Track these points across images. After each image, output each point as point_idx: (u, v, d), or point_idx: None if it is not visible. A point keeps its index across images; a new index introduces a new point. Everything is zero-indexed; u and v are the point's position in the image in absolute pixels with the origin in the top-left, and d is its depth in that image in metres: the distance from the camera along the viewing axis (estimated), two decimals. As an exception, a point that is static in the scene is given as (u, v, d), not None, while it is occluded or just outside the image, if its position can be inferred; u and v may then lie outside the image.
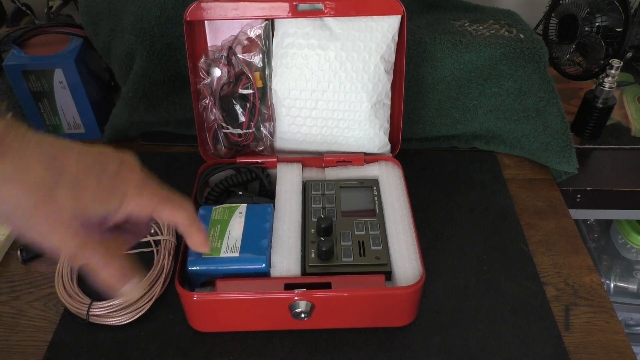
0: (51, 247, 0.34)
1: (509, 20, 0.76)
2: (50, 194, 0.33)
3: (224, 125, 0.66)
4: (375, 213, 0.60)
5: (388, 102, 0.67)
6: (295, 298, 0.50)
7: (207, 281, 0.54)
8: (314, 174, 0.67)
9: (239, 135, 0.67)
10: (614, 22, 0.75)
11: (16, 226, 0.33)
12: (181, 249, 0.54)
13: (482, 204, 0.69)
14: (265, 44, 0.64)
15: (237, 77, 0.65)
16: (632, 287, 1.07)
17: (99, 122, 0.78)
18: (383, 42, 0.62)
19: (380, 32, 0.62)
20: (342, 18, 0.61)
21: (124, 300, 0.38)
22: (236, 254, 0.53)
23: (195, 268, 0.52)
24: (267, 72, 0.65)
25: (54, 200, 0.33)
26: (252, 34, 0.64)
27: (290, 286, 0.51)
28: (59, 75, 0.72)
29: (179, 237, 0.62)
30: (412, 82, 0.71)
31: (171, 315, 0.56)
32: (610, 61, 0.73)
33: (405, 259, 0.55)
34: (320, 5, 0.60)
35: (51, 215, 0.33)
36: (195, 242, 0.44)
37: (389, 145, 0.69)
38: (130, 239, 0.43)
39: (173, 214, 0.40)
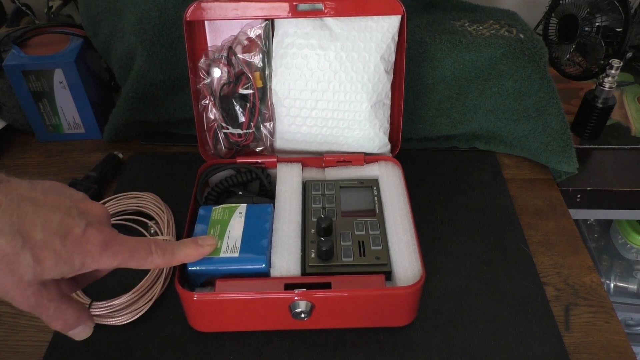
0: (7, 301, 0.37)
1: (509, 20, 0.76)
2: (11, 263, 0.35)
3: (224, 125, 0.66)
4: (375, 213, 0.60)
5: (388, 102, 0.67)
6: (295, 298, 0.50)
7: (207, 281, 0.53)
8: (314, 174, 0.67)
9: (239, 135, 0.67)
10: (614, 22, 0.75)
11: None
12: (181, 249, 0.54)
13: (482, 204, 0.69)
14: (265, 44, 0.64)
15: (237, 77, 0.65)
16: (632, 287, 1.07)
17: (99, 122, 0.78)
18: (383, 42, 0.62)
19: (380, 32, 0.62)
20: (342, 18, 0.61)
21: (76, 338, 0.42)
22: (236, 254, 0.53)
23: (195, 268, 0.52)
24: (267, 72, 0.65)
25: (13, 269, 0.35)
26: (252, 34, 0.64)
27: (290, 286, 0.51)
28: (59, 75, 0.72)
29: (179, 238, 0.62)
30: (412, 82, 0.71)
31: (171, 315, 0.56)
32: (610, 61, 0.73)
33: (405, 259, 0.55)
34: (320, 5, 0.60)
35: (9, 281, 0.35)
36: (190, 259, 0.48)
37: (389, 145, 0.69)
38: (88, 280, 0.45)
39: (140, 266, 0.42)
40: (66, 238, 0.37)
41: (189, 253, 0.47)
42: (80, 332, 0.42)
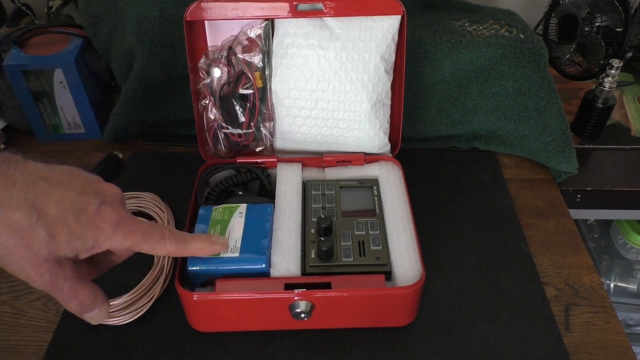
0: (24, 280, 0.37)
1: (509, 20, 0.76)
2: (26, 239, 0.35)
3: (224, 125, 0.66)
4: (375, 213, 0.60)
5: (388, 102, 0.67)
6: (295, 298, 0.50)
7: (207, 281, 0.53)
8: (314, 174, 0.67)
9: (239, 135, 0.67)
10: (614, 22, 0.75)
11: None
12: (181, 249, 0.54)
13: (482, 204, 0.69)
14: (265, 44, 0.64)
15: (237, 77, 0.65)
16: (632, 287, 1.07)
17: (99, 122, 0.78)
18: (383, 42, 0.62)
19: (380, 32, 0.62)
20: (342, 18, 0.61)
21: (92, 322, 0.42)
22: (236, 254, 0.53)
23: (195, 268, 0.52)
24: (267, 72, 0.65)
25: (29, 245, 0.36)
26: (252, 34, 0.64)
27: (290, 286, 0.51)
28: (59, 75, 0.72)
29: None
30: (412, 82, 0.71)
31: (171, 315, 0.56)
32: (610, 61, 0.73)
33: (405, 259, 0.55)
34: (320, 5, 0.60)
35: (25, 256, 0.36)
36: (201, 252, 0.47)
37: (389, 145, 0.69)
38: (106, 265, 0.45)
39: (152, 250, 0.42)
40: (80, 215, 0.37)
41: (201, 247, 0.47)
42: (96, 316, 0.41)
